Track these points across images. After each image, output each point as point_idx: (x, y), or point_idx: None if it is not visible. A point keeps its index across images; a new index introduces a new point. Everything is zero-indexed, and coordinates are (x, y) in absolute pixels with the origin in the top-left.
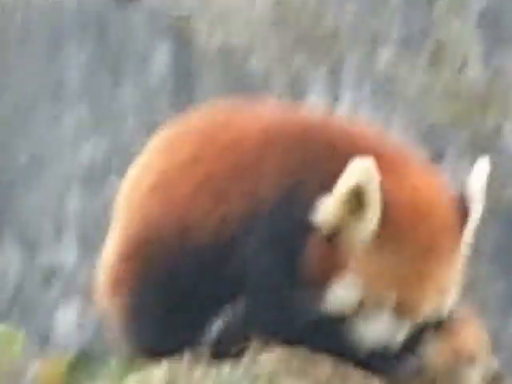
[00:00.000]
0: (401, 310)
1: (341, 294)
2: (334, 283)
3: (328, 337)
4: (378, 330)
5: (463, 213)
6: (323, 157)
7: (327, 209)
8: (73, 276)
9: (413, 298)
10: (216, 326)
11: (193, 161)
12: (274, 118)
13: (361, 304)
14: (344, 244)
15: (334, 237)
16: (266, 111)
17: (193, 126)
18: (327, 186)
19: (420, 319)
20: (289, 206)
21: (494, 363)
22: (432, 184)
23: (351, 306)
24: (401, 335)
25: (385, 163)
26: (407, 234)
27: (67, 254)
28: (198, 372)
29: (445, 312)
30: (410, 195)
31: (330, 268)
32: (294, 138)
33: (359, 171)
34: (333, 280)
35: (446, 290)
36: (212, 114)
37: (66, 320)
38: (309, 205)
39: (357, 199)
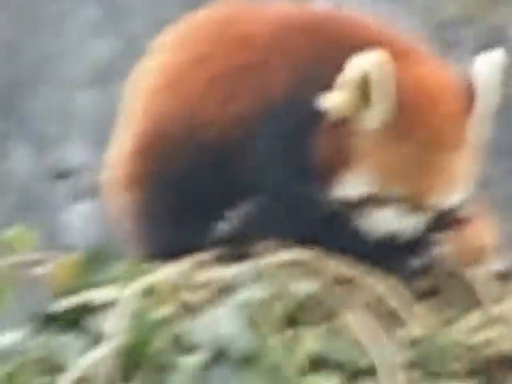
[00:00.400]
0: (410, 201)
1: (349, 186)
2: (343, 175)
3: (338, 232)
4: (387, 221)
5: (471, 103)
6: (331, 52)
7: (336, 95)
8: (81, 176)
9: (423, 189)
10: (224, 227)
11: (202, 58)
12: (282, 14)
13: (370, 195)
14: (352, 134)
15: (342, 125)
16: (274, 8)
17: (201, 23)
18: (335, 80)
19: (430, 211)
20: (298, 103)
21: (504, 262)
22: (440, 73)
23: (360, 198)
24: (411, 228)
25: (392, 53)
26: (415, 123)
27: (75, 154)
28: (207, 272)
29: (455, 205)
30: (417, 84)
31: (338, 159)
32: (301, 33)
33: (372, 58)
34: (341, 171)
35: (457, 182)
36: (220, 12)
37: (75, 219)
38: (318, 99)
39: (367, 86)
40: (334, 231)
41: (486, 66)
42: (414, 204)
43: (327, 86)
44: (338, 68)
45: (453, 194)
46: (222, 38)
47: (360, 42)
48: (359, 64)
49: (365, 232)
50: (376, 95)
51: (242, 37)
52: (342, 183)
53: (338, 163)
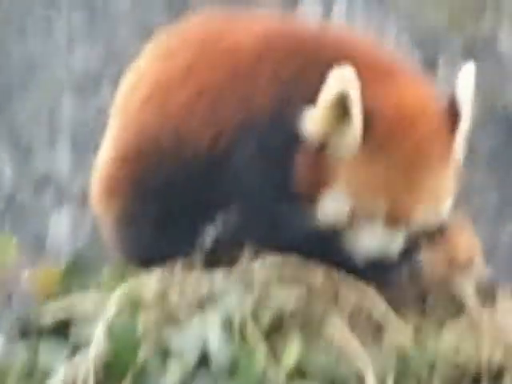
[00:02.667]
0: (393, 219)
1: (331, 206)
2: (324, 195)
3: (321, 250)
4: (371, 240)
5: (454, 119)
6: (314, 68)
7: (313, 119)
8: (66, 183)
9: (404, 207)
10: (209, 235)
11: (188, 69)
12: (269, 27)
13: (352, 215)
14: (332, 155)
15: (321, 147)
16: (262, 21)
17: (189, 34)
18: (316, 97)
19: (413, 228)
20: (280, 119)
21: (487, 273)
22: (420, 92)
23: (342, 218)
24: (395, 245)
25: (373, 72)
26: (394, 142)
27: (61, 161)
28: (191, 280)
29: (438, 221)
30: (396, 103)
31: (319, 180)
32: (287, 49)
33: (340, 80)
34: (322, 192)
35: (438, 198)
36: (208, 22)
37: (60, 228)
38: (299, 117)
39: (341, 108)
40: (315, 249)
41: (463, 81)
42: (395, 221)
43: (310, 103)
44: (320, 85)
45: (435, 210)
46: (209, 50)
47: (343, 59)
48: (336, 83)
49: (349, 252)
50: (352, 117)
51: (228, 50)
52: (322, 203)
53: (318, 183)
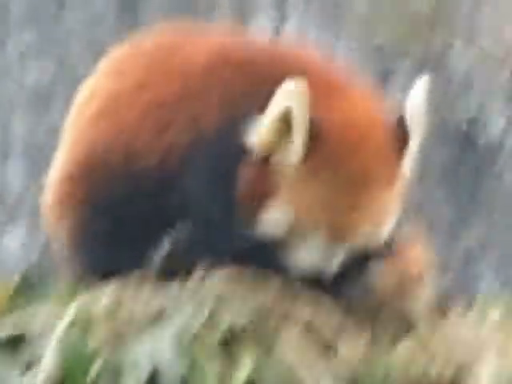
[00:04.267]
0: (333, 234)
1: (272, 218)
2: (266, 207)
3: (265, 262)
4: (311, 254)
5: (403, 137)
6: (263, 87)
7: (259, 131)
8: (19, 200)
9: (345, 224)
10: (162, 250)
11: (140, 86)
12: (221, 44)
13: (293, 228)
14: (275, 168)
15: (265, 160)
16: (214, 36)
17: (140, 50)
18: (264, 112)
19: (355, 244)
20: (229, 134)
21: (441, 285)
22: (370, 107)
23: (283, 231)
24: (336, 260)
25: (323, 87)
26: (340, 158)
27: (13, 178)
28: (145, 294)
29: (383, 237)
30: (343, 120)
31: (263, 192)
32: (236, 67)
33: (287, 94)
34: (265, 204)
35: (380, 220)
36: (160, 38)
37: (13, 244)
38: (246, 130)
39: (286, 122)
40: (260, 261)
41: (415, 98)
42: (336, 236)
43: (256, 121)
44: (267, 101)
45: (380, 227)
46: (161, 67)
47: (293, 74)
48: (283, 97)
49: (290, 264)
50: (295, 131)
51: (179, 67)
52: (265, 216)
53: (260, 197)
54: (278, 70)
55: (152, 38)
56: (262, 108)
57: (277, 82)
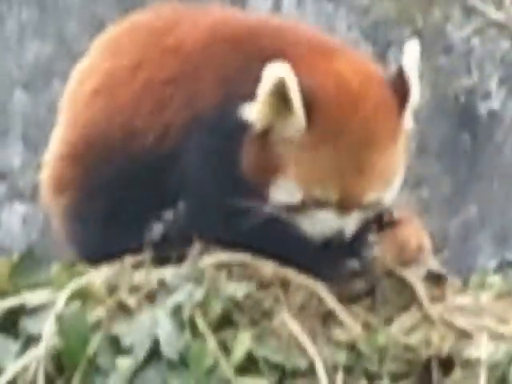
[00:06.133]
0: (345, 198)
1: (281, 192)
2: (273, 182)
3: (275, 237)
4: (324, 224)
5: (401, 91)
6: (258, 63)
7: (256, 107)
8: (18, 179)
9: (356, 188)
10: (157, 230)
11: (137, 64)
12: (216, 21)
13: (303, 200)
14: (277, 141)
15: (266, 134)
16: (209, 15)
17: (138, 29)
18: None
19: (367, 206)
20: (227, 112)
21: (436, 263)
22: (364, 68)
23: (293, 204)
24: (349, 227)
25: (315, 56)
26: (340, 120)
27: (12, 157)
28: (140, 276)
29: (389, 203)
30: (337, 83)
31: (267, 167)
32: (231, 44)
33: (277, 67)
34: (271, 179)
35: (390, 174)
36: (155, 17)
37: (11, 222)
38: (244, 107)
39: (281, 97)
40: (268, 237)
41: (408, 58)
42: (347, 203)
43: (253, 97)
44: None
45: (386, 191)
46: (157, 45)
47: (287, 52)
48: (273, 73)
49: (301, 235)
50: (291, 104)
51: (175, 45)
52: (273, 190)
53: (267, 172)
54: (271, 44)
55: (148, 16)
56: (257, 82)
57: (271, 55)
